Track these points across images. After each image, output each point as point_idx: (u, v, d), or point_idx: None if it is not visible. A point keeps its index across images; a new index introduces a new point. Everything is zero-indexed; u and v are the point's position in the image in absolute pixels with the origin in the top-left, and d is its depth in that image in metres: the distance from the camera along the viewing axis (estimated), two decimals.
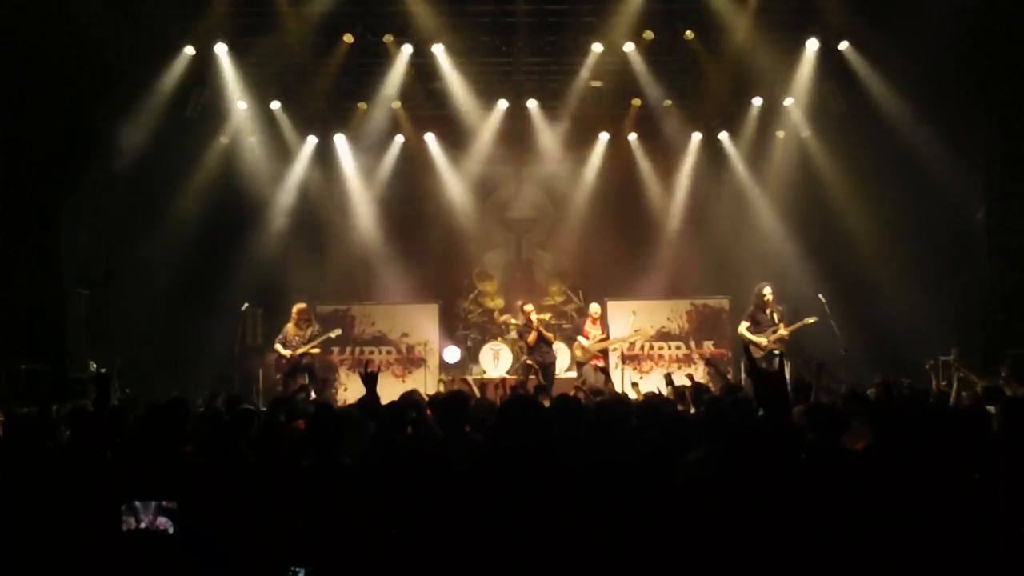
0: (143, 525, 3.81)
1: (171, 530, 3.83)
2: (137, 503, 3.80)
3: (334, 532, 4.00)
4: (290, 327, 12.29)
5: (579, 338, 13.11)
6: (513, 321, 14.33)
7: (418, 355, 14.23)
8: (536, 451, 3.90)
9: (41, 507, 4.29)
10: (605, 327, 13.18)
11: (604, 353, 13.16)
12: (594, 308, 13.27)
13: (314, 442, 4.78)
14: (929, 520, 3.75)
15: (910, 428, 4.29)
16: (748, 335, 11.87)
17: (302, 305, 12.52)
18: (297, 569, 3.62)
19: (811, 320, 12.05)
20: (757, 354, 11.50)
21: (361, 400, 5.86)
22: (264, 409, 8.06)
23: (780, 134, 15.32)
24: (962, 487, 3.96)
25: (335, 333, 12.59)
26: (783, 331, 11.71)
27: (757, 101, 14.91)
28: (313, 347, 12.21)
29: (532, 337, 12.63)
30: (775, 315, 11.86)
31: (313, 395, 11.51)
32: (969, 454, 4.35)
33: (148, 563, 3.79)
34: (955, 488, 3.92)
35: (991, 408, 5.77)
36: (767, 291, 11.96)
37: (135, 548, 3.81)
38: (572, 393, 6.93)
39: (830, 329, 12.14)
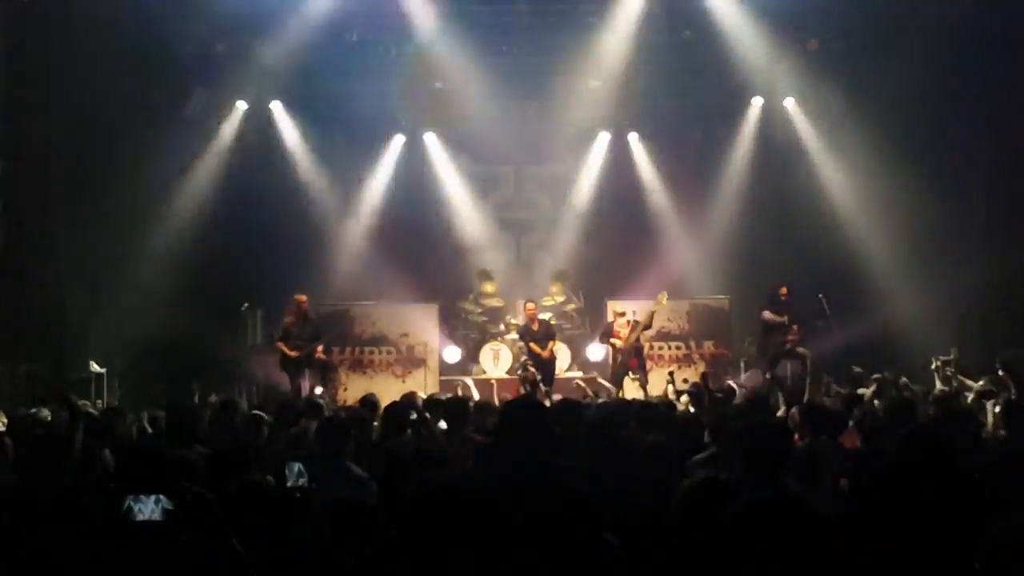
0: (143, 520, 3.82)
1: (170, 529, 3.84)
2: (138, 499, 3.81)
3: (334, 532, 4.00)
4: (289, 321, 12.18)
5: (613, 340, 12.91)
6: (513, 321, 14.31)
7: (418, 355, 14.20)
8: (537, 452, 3.90)
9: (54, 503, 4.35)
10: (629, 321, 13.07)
11: (639, 352, 13.04)
12: (615, 307, 13.25)
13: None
14: (928, 520, 3.75)
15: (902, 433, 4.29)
16: (770, 315, 12.27)
17: (303, 297, 12.36)
18: None
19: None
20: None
21: None
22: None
23: (780, 134, 15.30)
24: (961, 487, 3.96)
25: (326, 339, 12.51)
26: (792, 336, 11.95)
27: (757, 101, 14.90)
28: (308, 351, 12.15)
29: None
30: (787, 317, 12.12)
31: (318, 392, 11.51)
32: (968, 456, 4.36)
33: (149, 560, 3.80)
34: (954, 489, 3.92)
35: (991, 409, 5.78)
36: (783, 291, 12.33)
37: (137, 545, 3.81)
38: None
39: (830, 328, 12.15)
